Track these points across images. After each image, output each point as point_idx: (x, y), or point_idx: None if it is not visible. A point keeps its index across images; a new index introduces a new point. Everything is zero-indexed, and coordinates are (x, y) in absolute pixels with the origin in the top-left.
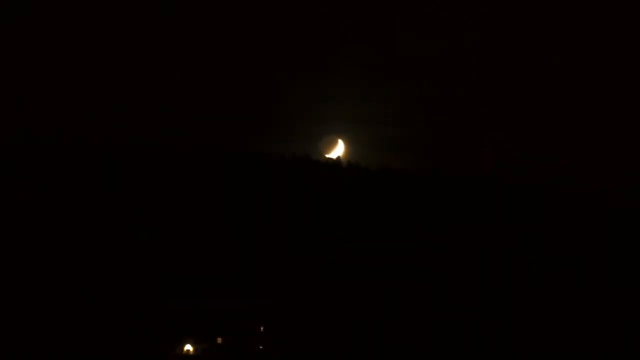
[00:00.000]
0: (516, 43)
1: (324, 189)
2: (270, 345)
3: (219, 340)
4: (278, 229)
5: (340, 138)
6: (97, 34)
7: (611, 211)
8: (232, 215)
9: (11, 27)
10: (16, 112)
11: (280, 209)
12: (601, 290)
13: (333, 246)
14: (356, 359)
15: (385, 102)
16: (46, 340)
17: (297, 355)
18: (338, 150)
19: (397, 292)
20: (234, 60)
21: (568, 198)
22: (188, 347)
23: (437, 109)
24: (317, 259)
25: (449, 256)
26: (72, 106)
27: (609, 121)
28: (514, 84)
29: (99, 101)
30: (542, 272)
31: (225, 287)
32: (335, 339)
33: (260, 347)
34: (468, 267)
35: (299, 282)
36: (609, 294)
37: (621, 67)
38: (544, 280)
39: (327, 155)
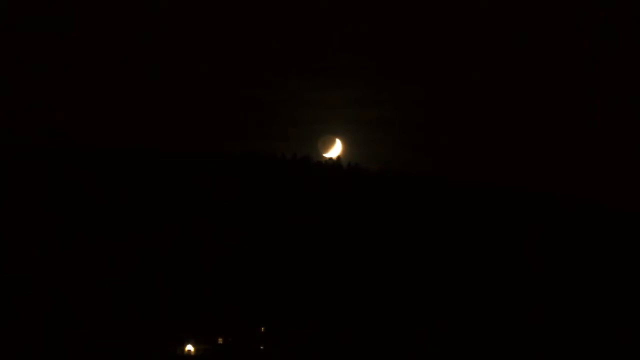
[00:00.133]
0: (516, 46)
1: (324, 189)
2: (271, 345)
3: (220, 340)
4: (279, 229)
5: (338, 138)
6: (93, 38)
7: (609, 215)
8: (233, 216)
9: (10, 30)
10: (16, 113)
11: (281, 209)
12: (601, 291)
13: (333, 246)
14: (356, 359)
15: (383, 103)
16: (48, 341)
17: (297, 355)
18: (336, 150)
19: (397, 293)
20: (234, 63)
21: (567, 202)
22: (189, 347)
23: (436, 110)
24: (317, 259)
25: (449, 256)
26: (71, 108)
27: (607, 126)
28: (513, 86)
29: (98, 103)
30: (541, 274)
31: (226, 288)
32: (336, 339)
33: (261, 348)
34: (468, 268)
35: (300, 283)
36: (609, 295)
37: (622, 68)
38: (543, 282)
39: (325, 155)
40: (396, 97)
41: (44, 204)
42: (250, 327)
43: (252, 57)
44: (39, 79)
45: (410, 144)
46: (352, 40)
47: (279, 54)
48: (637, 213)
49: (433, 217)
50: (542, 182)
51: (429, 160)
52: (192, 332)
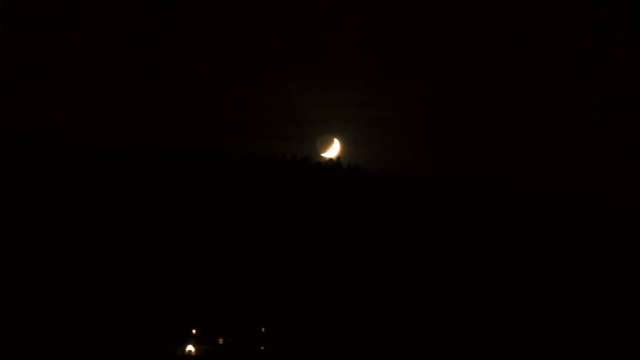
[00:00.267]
0: (516, 46)
1: (324, 189)
2: (272, 345)
3: (221, 340)
4: (279, 230)
5: (338, 138)
6: (94, 38)
7: (609, 215)
8: (233, 216)
9: (11, 30)
10: (16, 113)
11: (281, 209)
12: (601, 291)
13: (334, 247)
14: (356, 359)
15: (383, 103)
16: (48, 341)
17: (297, 355)
18: (334, 150)
19: (397, 293)
20: (233, 64)
21: (567, 202)
22: (190, 347)
23: (436, 110)
24: (317, 259)
25: (449, 256)
26: (71, 108)
27: (607, 126)
28: (513, 86)
29: (98, 104)
30: (541, 274)
31: (226, 288)
32: (336, 339)
33: (262, 348)
34: (468, 268)
35: (300, 283)
36: (609, 295)
37: (622, 68)
38: (543, 282)
39: (323, 155)
40: (396, 97)
41: (44, 204)
42: (251, 327)
43: (252, 57)
44: (39, 79)
45: (410, 144)
46: (352, 40)
47: (278, 55)
48: (637, 213)
49: (433, 217)
50: (542, 182)
51: (429, 160)
52: (192, 332)
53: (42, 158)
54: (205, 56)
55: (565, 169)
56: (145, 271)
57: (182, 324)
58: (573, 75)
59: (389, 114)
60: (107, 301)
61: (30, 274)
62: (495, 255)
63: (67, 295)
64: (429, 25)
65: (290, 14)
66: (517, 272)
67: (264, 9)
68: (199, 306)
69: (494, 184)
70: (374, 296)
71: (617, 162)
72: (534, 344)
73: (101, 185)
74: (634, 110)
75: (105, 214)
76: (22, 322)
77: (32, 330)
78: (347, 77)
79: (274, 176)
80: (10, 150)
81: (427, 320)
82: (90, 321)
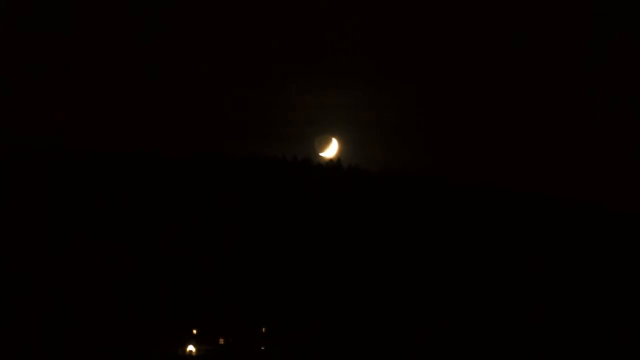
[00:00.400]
0: (516, 46)
1: (325, 190)
2: (272, 346)
3: (221, 341)
4: (280, 230)
5: (338, 138)
6: (94, 38)
7: (609, 216)
8: (234, 217)
9: (11, 30)
10: (16, 113)
11: (282, 210)
12: (601, 291)
13: (334, 247)
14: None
15: (383, 103)
16: (48, 341)
17: (298, 355)
18: (332, 149)
19: (397, 293)
20: (233, 64)
21: (567, 202)
22: (191, 347)
23: (436, 110)
24: (318, 259)
25: (449, 256)
26: (71, 109)
27: (607, 126)
28: (513, 86)
29: (99, 104)
30: (541, 274)
31: (227, 289)
32: (336, 339)
33: (262, 348)
34: (468, 268)
35: (300, 283)
36: (609, 295)
37: (622, 68)
38: (543, 282)
39: (321, 154)
40: (396, 97)
41: (44, 204)
42: (251, 327)
43: (252, 57)
44: (39, 79)
45: (410, 144)
46: (352, 40)
47: (278, 55)
48: (637, 213)
49: (433, 217)
50: (542, 182)
51: (429, 160)
52: (193, 332)
53: (42, 158)
54: (205, 56)
55: (565, 169)
56: (146, 271)
57: (183, 324)
58: (573, 75)
59: (388, 114)
60: (108, 301)
61: (31, 274)
62: (496, 255)
63: (68, 295)
64: (429, 26)
65: (290, 14)
66: (517, 272)
67: (263, 9)
68: (200, 306)
69: (494, 184)
70: (375, 296)
71: (617, 162)
72: (534, 344)
73: (101, 185)
74: (634, 110)
75: (105, 214)
76: (22, 322)
77: (32, 330)
78: (347, 77)
79: (274, 177)
80: (10, 150)
81: (427, 320)
82: (91, 321)
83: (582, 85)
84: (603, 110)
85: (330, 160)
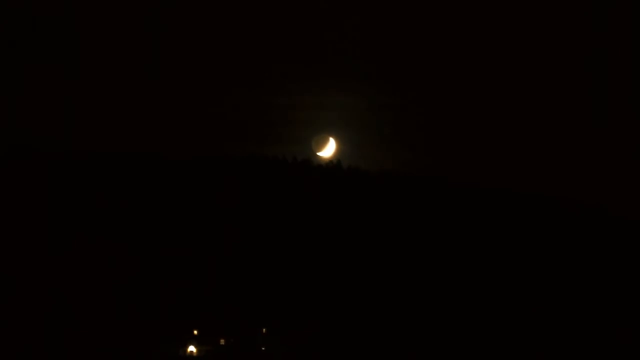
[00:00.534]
0: (516, 46)
1: (325, 190)
2: (273, 346)
3: (222, 341)
4: (280, 230)
5: (338, 139)
6: (94, 39)
7: (610, 217)
8: (234, 217)
9: (11, 30)
10: (16, 113)
11: (282, 210)
12: (601, 293)
13: (334, 247)
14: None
15: (383, 104)
16: (48, 341)
17: (298, 356)
18: (330, 149)
19: (397, 293)
20: (233, 65)
21: (567, 203)
22: (191, 348)
23: (436, 110)
24: (318, 259)
25: (449, 256)
26: (72, 109)
27: (608, 127)
28: (513, 86)
29: (99, 104)
30: (541, 275)
31: (227, 289)
32: (337, 340)
33: (263, 349)
34: (468, 268)
35: (301, 283)
36: (609, 297)
37: (622, 68)
38: (543, 283)
39: (319, 154)
40: (396, 98)
41: (44, 205)
42: (252, 328)
43: (252, 58)
44: (39, 79)
45: (410, 144)
46: (352, 41)
47: (278, 55)
48: (637, 214)
49: (433, 217)
50: (543, 183)
51: (429, 161)
52: (194, 333)
53: (42, 158)
54: (205, 57)
55: (566, 169)
56: (146, 271)
57: (184, 325)
58: (573, 75)
59: (388, 115)
60: (108, 301)
61: (30, 274)
62: (496, 255)
63: (68, 295)
64: (429, 26)
65: (291, 14)
66: (517, 273)
67: (263, 9)
68: (200, 307)
69: (494, 184)
70: (375, 296)
71: (618, 163)
72: (534, 344)
73: (101, 185)
74: (634, 111)
75: (105, 214)
76: (22, 322)
77: (32, 330)
78: (347, 78)
79: (274, 177)
80: (10, 150)
81: (427, 320)
82: (91, 322)
83: (582, 85)
84: (604, 111)
85: (330, 161)
